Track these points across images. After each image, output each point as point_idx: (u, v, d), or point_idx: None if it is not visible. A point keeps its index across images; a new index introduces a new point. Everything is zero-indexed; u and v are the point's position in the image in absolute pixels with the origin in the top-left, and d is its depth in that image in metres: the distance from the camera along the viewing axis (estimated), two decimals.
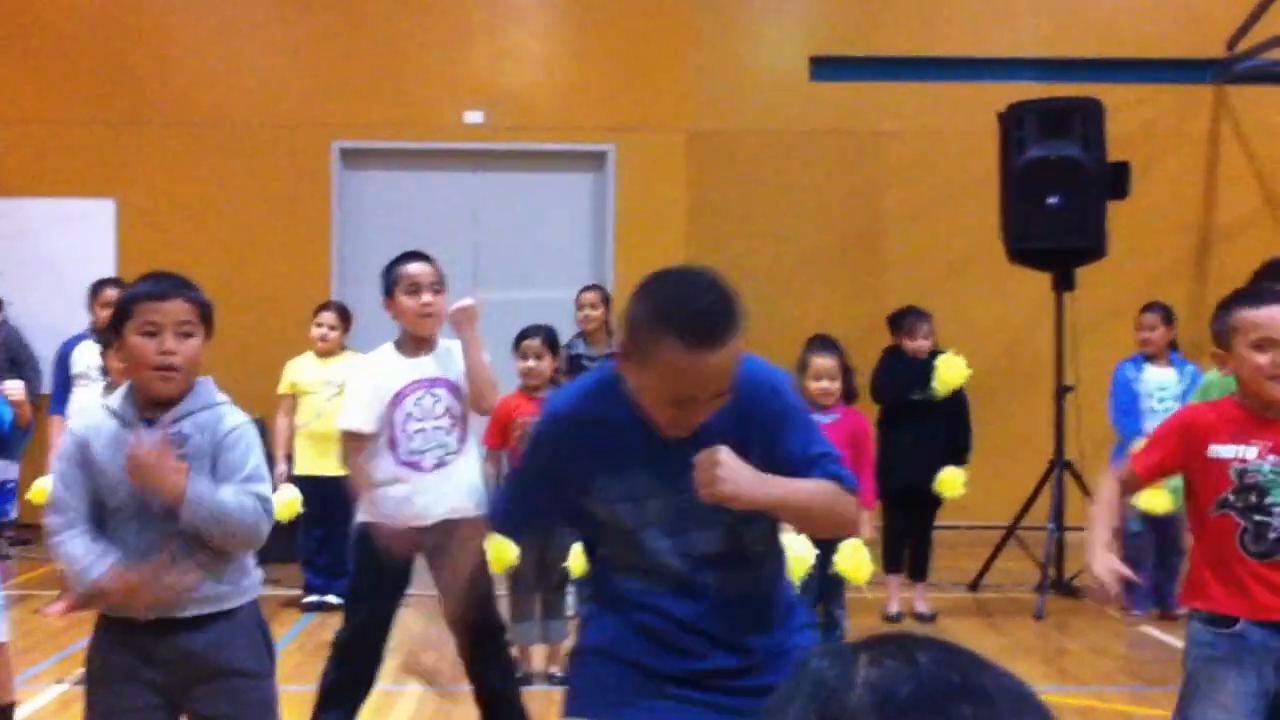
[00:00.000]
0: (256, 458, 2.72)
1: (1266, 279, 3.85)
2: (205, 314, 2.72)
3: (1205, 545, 2.87)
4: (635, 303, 2.00)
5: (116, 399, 2.75)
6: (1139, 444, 6.01)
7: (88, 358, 6.10)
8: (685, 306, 1.94)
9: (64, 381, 6.20)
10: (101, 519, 2.67)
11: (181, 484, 2.54)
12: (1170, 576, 6.22)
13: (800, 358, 5.05)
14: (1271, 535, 2.77)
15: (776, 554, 2.25)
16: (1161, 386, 6.29)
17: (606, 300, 6.54)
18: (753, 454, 2.02)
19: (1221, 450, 2.81)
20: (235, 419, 2.73)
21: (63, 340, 6.53)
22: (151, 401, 2.69)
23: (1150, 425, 6.20)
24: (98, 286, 6.28)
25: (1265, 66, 8.89)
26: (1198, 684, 2.83)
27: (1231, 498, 2.80)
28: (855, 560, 4.71)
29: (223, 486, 2.63)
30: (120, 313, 2.71)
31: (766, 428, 2.09)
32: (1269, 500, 2.77)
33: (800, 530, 2.08)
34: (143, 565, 2.60)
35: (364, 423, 3.88)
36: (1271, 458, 2.77)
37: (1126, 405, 6.37)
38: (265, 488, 2.72)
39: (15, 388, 4.88)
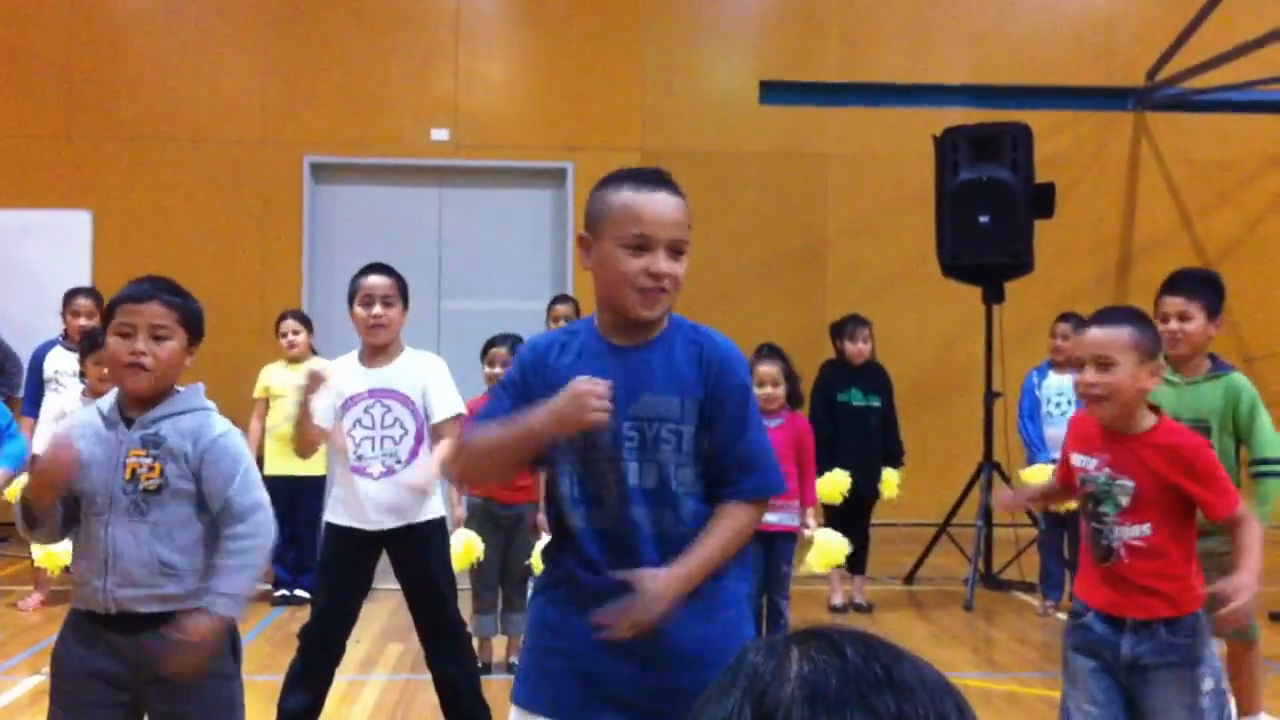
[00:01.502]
0: (245, 463, 2.71)
1: (1164, 289, 4.09)
2: (186, 318, 2.71)
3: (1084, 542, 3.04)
4: (590, 198, 2.23)
5: (107, 401, 2.74)
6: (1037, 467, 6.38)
7: (57, 363, 6.23)
8: (631, 169, 2.23)
9: (37, 385, 6.33)
10: (76, 516, 2.70)
11: (218, 630, 2.59)
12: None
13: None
14: (1104, 542, 2.87)
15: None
16: (1059, 392, 6.44)
17: (578, 313, 6.49)
18: (706, 407, 2.17)
19: (1075, 459, 2.97)
20: (219, 426, 2.72)
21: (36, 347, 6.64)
22: (133, 400, 2.70)
23: (1048, 430, 6.45)
24: (70, 295, 6.43)
25: (1181, 95, 9.28)
26: (1065, 666, 3.04)
27: (1081, 502, 2.96)
28: (825, 552, 5.00)
29: (226, 570, 2.63)
30: (105, 315, 2.76)
31: (730, 396, 2.19)
32: (1101, 509, 2.88)
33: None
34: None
35: (319, 419, 3.95)
36: (1107, 470, 2.87)
37: (1028, 411, 6.58)
38: (259, 492, 2.71)
39: None
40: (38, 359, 6.42)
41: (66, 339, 6.35)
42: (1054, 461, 6.32)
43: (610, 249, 2.16)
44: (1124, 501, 2.85)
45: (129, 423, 2.68)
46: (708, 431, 2.17)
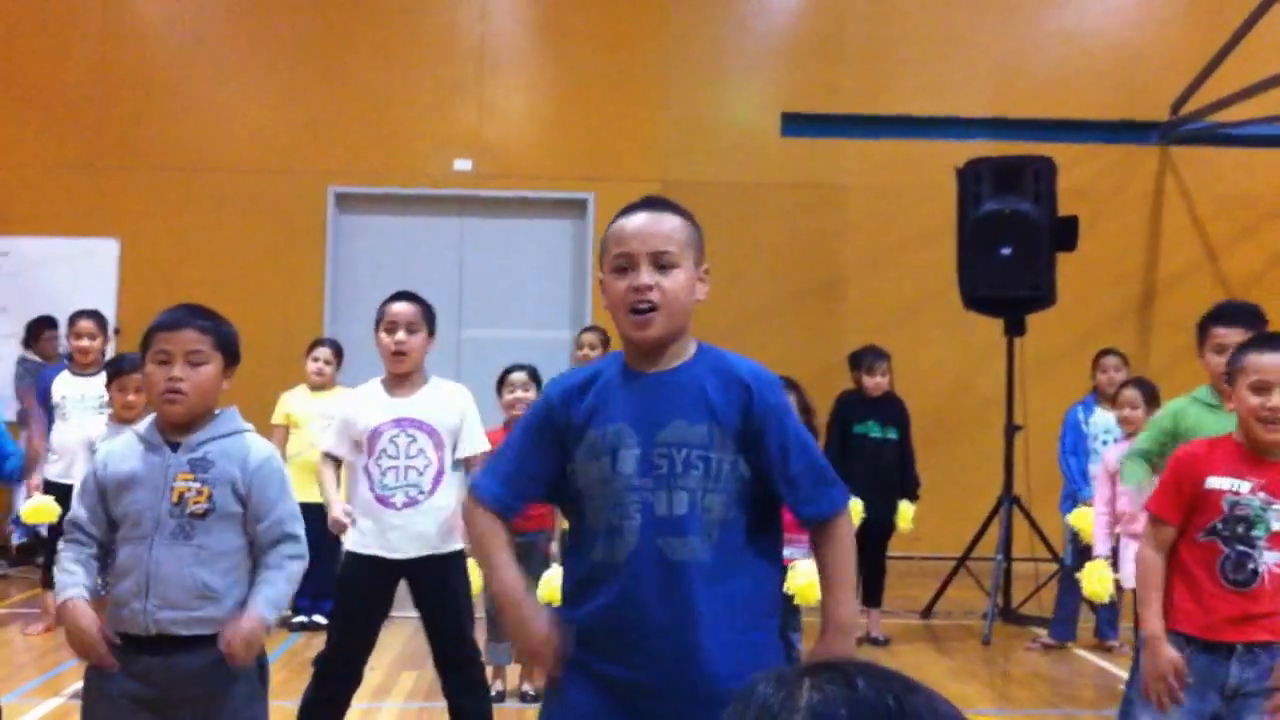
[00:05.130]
0: (287, 493, 2.78)
1: (1215, 320, 4.04)
2: (221, 342, 2.78)
3: (1184, 569, 3.02)
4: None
5: (143, 426, 2.80)
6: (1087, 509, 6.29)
7: (64, 389, 6.10)
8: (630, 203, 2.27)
9: (49, 410, 6.17)
10: (112, 540, 2.74)
11: (261, 627, 2.67)
12: (1107, 608, 6.30)
13: None
14: (1250, 566, 2.93)
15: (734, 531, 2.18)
16: (1106, 429, 6.38)
17: (606, 342, 6.41)
18: (747, 434, 2.15)
19: (1217, 482, 2.98)
20: (262, 450, 2.78)
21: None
22: (172, 425, 2.75)
23: (1093, 466, 6.39)
24: (73, 318, 6.26)
25: (1205, 129, 9.25)
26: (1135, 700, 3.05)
27: (1220, 526, 2.96)
28: (808, 583, 4.95)
29: (270, 578, 2.71)
30: (143, 345, 2.78)
31: (771, 416, 2.17)
32: (1254, 533, 2.93)
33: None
34: (86, 612, 2.66)
35: (335, 447, 4.05)
36: (1262, 494, 2.94)
37: (1073, 446, 6.53)
38: (297, 524, 2.79)
39: None
40: (45, 384, 6.25)
41: (72, 362, 6.24)
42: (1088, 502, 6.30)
43: (605, 278, 2.21)
44: (1276, 525, 2.93)
45: (173, 446, 2.72)
46: (753, 457, 2.16)
